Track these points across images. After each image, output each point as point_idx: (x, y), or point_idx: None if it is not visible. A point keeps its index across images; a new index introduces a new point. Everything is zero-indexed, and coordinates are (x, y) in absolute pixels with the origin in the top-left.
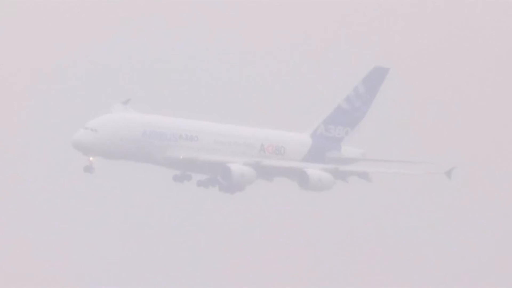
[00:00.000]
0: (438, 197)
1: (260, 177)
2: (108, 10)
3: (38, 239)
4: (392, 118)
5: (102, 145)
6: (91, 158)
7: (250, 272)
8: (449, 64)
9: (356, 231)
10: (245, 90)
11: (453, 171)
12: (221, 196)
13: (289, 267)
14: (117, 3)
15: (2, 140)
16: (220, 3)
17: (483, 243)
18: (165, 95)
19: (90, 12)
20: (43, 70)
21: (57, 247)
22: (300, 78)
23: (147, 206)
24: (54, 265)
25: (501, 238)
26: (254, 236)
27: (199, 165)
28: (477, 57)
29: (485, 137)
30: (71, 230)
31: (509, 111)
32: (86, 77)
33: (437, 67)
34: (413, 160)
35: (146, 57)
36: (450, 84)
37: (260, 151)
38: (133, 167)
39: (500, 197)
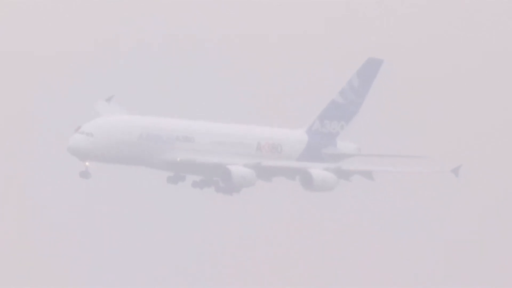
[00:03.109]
0: (442, 194)
1: (259, 177)
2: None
3: (35, 244)
4: (386, 111)
5: (98, 150)
6: (87, 163)
7: (254, 273)
8: (444, 56)
9: (359, 230)
10: (237, 87)
11: (460, 169)
12: (221, 197)
13: (293, 267)
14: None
15: None
16: None
17: (489, 241)
18: (151, 92)
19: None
20: (27, 66)
21: (55, 252)
22: (293, 73)
23: (146, 209)
24: (52, 270)
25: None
26: (256, 237)
27: (197, 167)
28: (474, 49)
29: (483, 131)
30: (70, 235)
31: (507, 105)
32: (69, 73)
33: (433, 58)
34: (409, 154)
35: (132, 52)
36: (445, 76)
37: (257, 150)
38: (127, 171)
39: (506, 194)
